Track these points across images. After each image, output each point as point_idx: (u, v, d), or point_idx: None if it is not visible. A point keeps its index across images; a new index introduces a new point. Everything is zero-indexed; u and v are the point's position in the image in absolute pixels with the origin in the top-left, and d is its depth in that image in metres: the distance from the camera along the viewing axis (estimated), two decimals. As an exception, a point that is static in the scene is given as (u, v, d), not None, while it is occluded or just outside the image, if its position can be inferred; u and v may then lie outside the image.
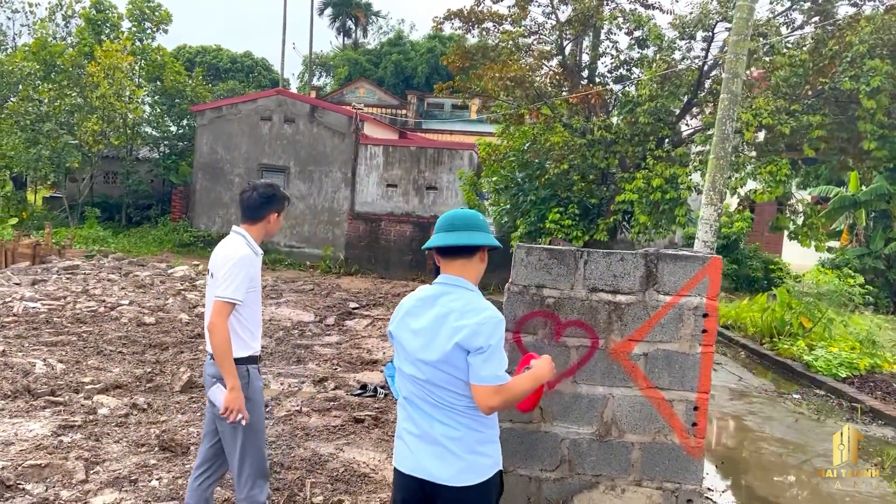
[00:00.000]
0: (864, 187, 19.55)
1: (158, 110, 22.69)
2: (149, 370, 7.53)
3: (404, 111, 31.73)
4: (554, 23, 12.69)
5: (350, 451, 5.64)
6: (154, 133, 23.04)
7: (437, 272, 2.74)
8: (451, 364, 2.49)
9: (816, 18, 10.86)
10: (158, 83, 22.56)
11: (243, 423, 3.43)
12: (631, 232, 10.89)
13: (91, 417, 5.90)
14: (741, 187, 9.74)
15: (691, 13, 10.23)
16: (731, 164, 6.47)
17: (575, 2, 12.12)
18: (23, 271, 13.65)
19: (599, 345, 3.37)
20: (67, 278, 13.27)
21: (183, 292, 12.80)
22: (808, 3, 10.82)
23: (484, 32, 11.93)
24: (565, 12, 12.76)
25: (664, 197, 9.81)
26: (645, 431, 3.39)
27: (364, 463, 5.39)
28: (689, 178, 9.91)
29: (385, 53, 39.86)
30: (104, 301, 11.12)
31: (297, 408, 6.67)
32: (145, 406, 6.33)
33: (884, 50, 8.72)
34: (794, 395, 9.73)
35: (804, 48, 10.05)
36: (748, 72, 11.16)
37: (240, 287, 3.43)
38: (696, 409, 3.37)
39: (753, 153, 9.36)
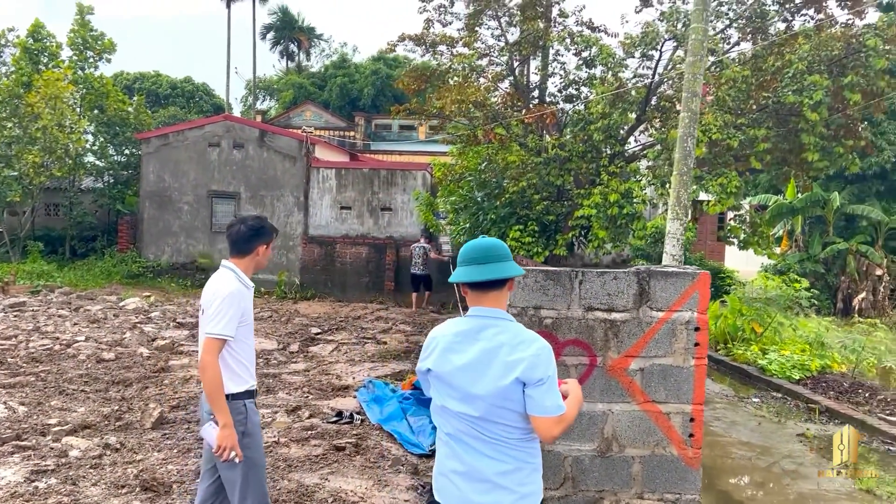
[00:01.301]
0: (799, 195, 20.43)
1: (102, 139, 22.14)
2: (116, 408, 7.32)
3: (352, 133, 31.71)
4: (503, 45, 12.95)
5: (335, 479, 5.61)
6: (98, 163, 22.46)
7: (461, 300, 2.76)
8: (507, 398, 2.48)
9: (752, 35, 11.36)
10: (101, 112, 22.02)
11: (237, 460, 3.39)
12: (588, 246, 11.12)
13: (63, 461, 5.72)
14: (691, 200, 10.09)
15: (640, 34, 10.60)
16: (684, 180, 6.73)
17: (523, 23, 12.40)
18: (-34, 311, 13.11)
19: (597, 362, 3.47)
20: (15, 316, 12.80)
21: (139, 325, 12.49)
22: (744, 21, 11.30)
23: (438, 55, 12.10)
24: (514, 34, 13.04)
25: (621, 212, 10.07)
26: (644, 445, 3.49)
27: (352, 491, 5.36)
28: (644, 192, 10.21)
29: (330, 76, 39.81)
30: (58, 338, 10.77)
31: (275, 439, 6.58)
32: (118, 445, 6.16)
33: (822, 66, 9.20)
34: (754, 399, 10.05)
35: (745, 64, 10.49)
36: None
37: (230, 322, 3.40)
38: (692, 420, 3.49)
39: (706, 168, 9.71)
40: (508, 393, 2.48)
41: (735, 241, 10.79)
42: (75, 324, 12.28)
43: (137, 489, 5.14)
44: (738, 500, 6.11)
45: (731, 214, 11.73)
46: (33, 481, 5.22)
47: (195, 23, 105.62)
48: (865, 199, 20.97)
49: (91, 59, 22.39)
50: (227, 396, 3.41)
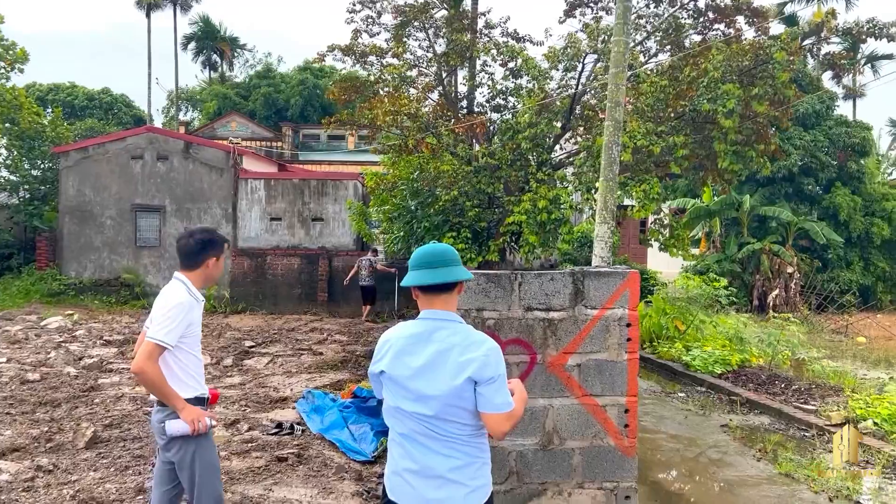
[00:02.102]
0: (715, 198, 21.43)
1: (15, 153, 21.23)
2: (45, 429, 7.09)
3: (280, 143, 31.38)
4: (431, 56, 13.16)
5: (280, 490, 5.62)
6: (11, 177, 21.51)
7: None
8: (460, 397, 2.61)
9: (669, 47, 11.93)
10: (13, 125, 21.12)
11: (213, 423, 3.54)
12: (520, 251, 11.41)
13: (-7, 485, 5.53)
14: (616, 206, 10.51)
15: (564, 47, 10.99)
16: (610, 186, 7.06)
17: (450, 35, 12.64)
18: None
19: (538, 359, 3.65)
20: (-74, 339, 12.16)
21: (63, 344, 12.07)
22: (661, 34, 11.85)
23: (368, 66, 12.19)
24: (442, 45, 13.26)
25: (549, 217, 10.39)
26: (583, 437, 3.69)
27: (297, 500, 5.39)
28: (571, 198, 10.57)
29: (255, 86, 39.28)
30: (-24, 361, 10.31)
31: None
32: (51, 467, 5.99)
33: (734, 76, 9.77)
34: (680, 394, 10.52)
35: (663, 75, 11.00)
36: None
37: (173, 332, 3.44)
38: (626, 411, 3.71)
39: (628, 174, 10.13)
40: (461, 392, 2.60)
41: (655, 243, 11.28)
42: (-6, 346, 11.76)
43: (76, 510, 5.04)
44: (669, 491, 6.42)
45: (651, 218, 12.22)
46: (-37, 508, 5.04)
47: (113, 35, 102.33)
48: (776, 201, 22.17)
49: (2, 70, 21.46)
50: None
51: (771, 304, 19.78)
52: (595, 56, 11.03)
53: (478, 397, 2.62)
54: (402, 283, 2.85)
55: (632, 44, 11.46)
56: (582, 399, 3.67)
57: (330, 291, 19.12)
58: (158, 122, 42.83)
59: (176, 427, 3.46)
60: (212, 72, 46.34)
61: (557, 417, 3.67)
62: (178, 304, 3.44)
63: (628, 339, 3.69)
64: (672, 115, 10.37)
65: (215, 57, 45.59)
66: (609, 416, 3.69)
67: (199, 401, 3.58)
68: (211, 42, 44.35)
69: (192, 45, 44.34)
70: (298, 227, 19.37)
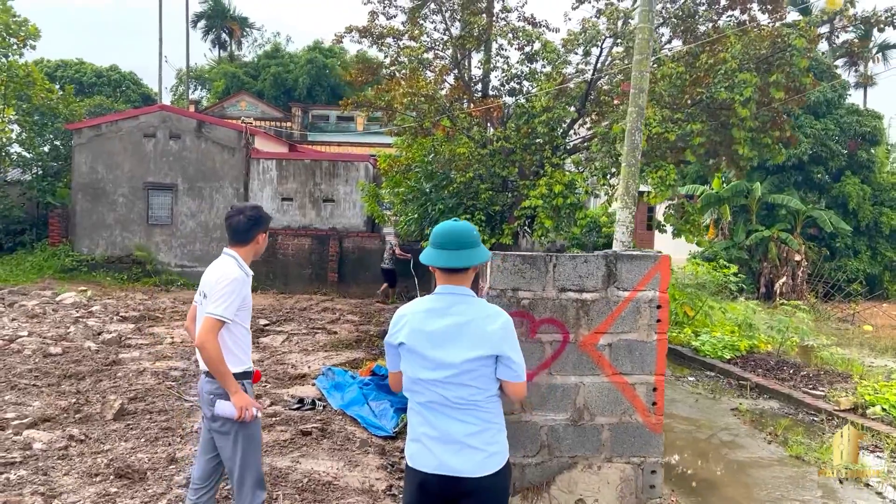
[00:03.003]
0: (725, 185, 21.48)
1: (28, 130, 21.32)
2: (73, 401, 7.27)
3: (289, 124, 31.41)
4: (447, 38, 13.19)
5: (306, 462, 5.78)
6: (25, 154, 21.62)
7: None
8: (478, 366, 2.80)
9: (682, 34, 11.95)
10: (26, 102, 21.19)
11: (259, 414, 3.62)
12: (533, 234, 11.52)
13: (28, 453, 5.70)
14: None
15: (583, 30, 11.02)
16: (632, 172, 7.15)
17: (467, 18, 12.67)
18: None
19: (570, 339, 3.78)
20: (-54, 313, 12.35)
21: (81, 320, 12.24)
22: (676, 20, 11.86)
23: (385, 47, 12.24)
24: (457, 28, 13.29)
25: (565, 202, 10.48)
26: (612, 413, 3.82)
27: (324, 472, 5.55)
28: (587, 183, 10.66)
29: (264, 66, 39.22)
30: (-2, 334, 10.48)
31: (240, 426, 6.68)
32: (83, 437, 6.16)
33: (751, 64, 9.82)
34: (690, 378, 10.67)
35: (679, 61, 11.04)
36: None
37: (231, 306, 3.58)
38: (654, 389, 3.85)
39: (643, 160, 10.20)
40: (479, 362, 2.80)
41: (668, 229, 11.38)
42: (13, 319, 11.94)
43: (112, 477, 5.20)
44: (683, 471, 6.57)
45: (664, 204, 12.31)
46: (2, 473, 5.20)
47: (116, 12, 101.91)
48: (784, 189, 22.22)
49: (14, 47, 21.50)
50: None
51: (778, 291, 19.90)
52: (612, 40, 11.06)
53: (498, 367, 2.84)
54: (422, 260, 3.00)
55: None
56: (612, 377, 3.81)
57: (340, 272, 19.27)
58: (167, 99, 42.83)
59: (224, 408, 3.60)
60: (221, 51, 46.27)
61: (588, 394, 3.80)
62: (233, 279, 3.58)
63: (658, 321, 3.82)
64: (688, 102, 10.42)
65: (224, 36, 45.51)
66: (638, 393, 3.83)
67: (246, 375, 3.71)
68: (220, 21, 44.26)
69: (202, 23, 44.27)
70: (309, 207, 19.49)
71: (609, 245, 18.50)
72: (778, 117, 10.73)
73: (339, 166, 19.65)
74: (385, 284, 17.15)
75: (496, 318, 2.85)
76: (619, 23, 10.49)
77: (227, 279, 3.58)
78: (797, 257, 20.36)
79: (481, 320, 2.83)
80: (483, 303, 2.93)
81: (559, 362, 3.78)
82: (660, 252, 3.86)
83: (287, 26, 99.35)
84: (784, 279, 20.12)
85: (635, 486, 3.81)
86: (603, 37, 10.63)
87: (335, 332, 12.27)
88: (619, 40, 10.83)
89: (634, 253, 3.84)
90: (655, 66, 10.21)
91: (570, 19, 18.64)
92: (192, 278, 19.19)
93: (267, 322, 13.05)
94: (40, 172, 21.58)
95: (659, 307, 3.82)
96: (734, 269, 14.95)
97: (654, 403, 3.86)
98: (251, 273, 3.78)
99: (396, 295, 17.48)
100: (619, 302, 3.79)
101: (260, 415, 3.65)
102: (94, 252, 19.55)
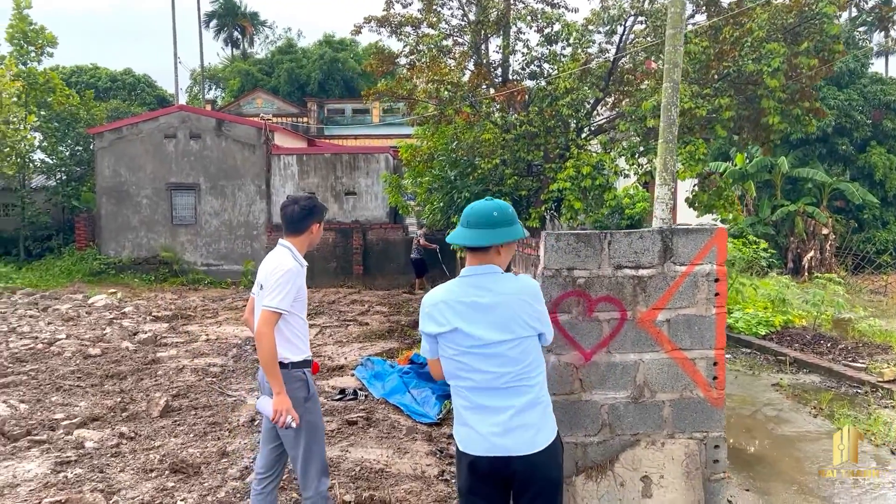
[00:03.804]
0: (748, 161, 21.23)
1: (51, 136, 21.52)
2: (118, 400, 7.36)
3: (305, 119, 31.46)
4: (465, 24, 13.10)
5: (355, 451, 5.80)
6: (48, 160, 21.85)
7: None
8: (525, 337, 2.86)
9: (705, 8, 11.77)
10: (47, 108, 21.38)
11: (293, 424, 3.55)
12: (561, 217, 11.47)
13: (82, 451, 5.78)
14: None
15: (605, 9, 10.91)
16: (670, 148, 7.06)
17: (487, 0, 12.57)
18: (-69, 317, 12.76)
19: (628, 316, 3.74)
20: (-17, 319, 12.53)
21: (115, 321, 12.38)
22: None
23: (405, 36, 12.18)
24: (474, 13, 13.19)
25: (594, 183, 10.41)
26: (673, 389, 3.79)
27: (374, 460, 5.58)
28: (615, 163, 10.57)
29: (277, 62, 39.28)
30: (37, 337, 10.63)
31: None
32: (132, 434, 6.24)
33: (778, 34, 9.67)
34: (726, 356, 10.58)
35: (702, 36, 10.89)
36: (654, 61, 11.97)
37: (287, 297, 3.57)
38: (715, 364, 3.80)
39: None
40: (517, 340, 2.84)
41: (700, 206, 11.25)
42: (49, 323, 12.10)
43: (167, 472, 5.26)
44: (732, 446, 6.52)
45: (689, 182, 12.17)
46: (60, 472, 5.28)
47: (128, 16, 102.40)
48: (809, 163, 21.91)
49: (32, 54, 21.68)
50: (288, 365, 3.59)
51: (806, 266, 19.67)
52: (634, 17, 10.93)
53: (540, 336, 2.96)
54: (447, 240, 3.05)
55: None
56: (671, 353, 3.77)
57: (365, 264, 19.33)
58: (182, 101, 43.02)
59: (263, 406, 3.61)
60: (233, 49, 46.40)
61: (647, 371, 3.77)
62: (287, 270, 3.58)
63: (716, 294, 3.77)
64: (715, 77, 10.28)
65: (236, 34, 45.61)
66: (698, 368, 3.79)
67: (306, 363, 3.72)
68: (232, 19, 44.36)
69: (214, 22, 44.38)
70: (332, 201, 19.54)
71: (633, 226, 18.38)
72: (806, 88, 10.57)
73: (359, 159, 19.66)
74: (418, 277, 17.26)
75: (529, 289, 2.91)
76: (646, 0, 10.37)
77: (281, 270, 3.59)
78: (825, 231, 20.09)
79: (517, 293, 2.86)
80: (511, 276, 2.93)
81: (617, 340, 3.75)
82: (716, 225, 3.81)
83: (297, 20, 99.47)
84: (812, 253, 19.88)
85: (700, 461, 3.78)
86: (628, 14, 10.51)
87: (367, 324, 12.31)
88: (642, 17, 10.69)
89: (690, 227, 3.79)
90: (684, 40, 10.07)
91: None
92: (218, 276, 19.35)
93: (298, 316, 13.10)
94: (64, 178, 21.81)
95: (717, 280, 3.77)
96: (764, 244, 14.78)
97: (714, 378, 3.82)
98: (305, 264, 3.78)
99: (428, 284, 17.52)
100: (676, 277, 3.74)
101: (294, 424, 3.51)
102: (121, 254, 19.76)
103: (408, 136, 23.30)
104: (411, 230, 19.57)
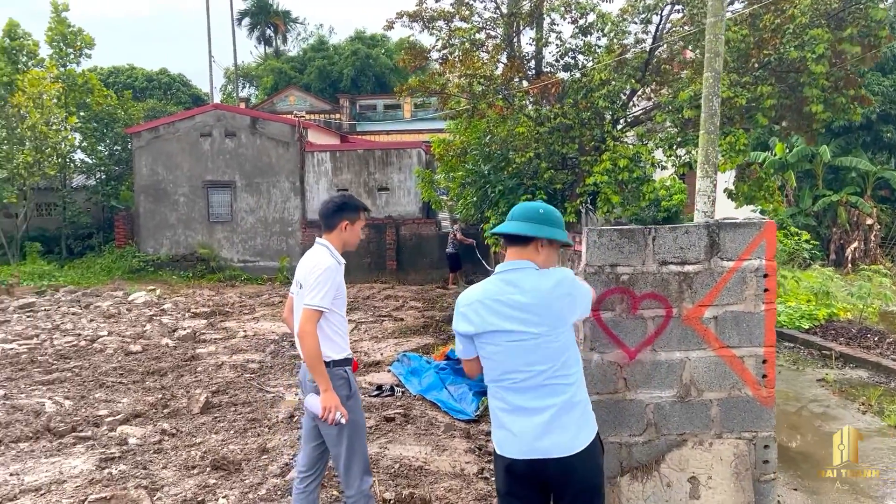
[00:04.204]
0: (787, 151, 20.73)
1: (91, 136, 21.94)
2: (159, 396, 7.44)
3: (338, 115, 31.59)
4: (497, 17, 12.99)
5: (394, 448, 5.79)
6: (87, 160, 22.28)
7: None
8: (561, 331, 2.82)
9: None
10: (87, 109, 21.80)
11: (343, 421, 3.54)
12: (598, 211, 11.33)
13: (125, 448, 5.85)
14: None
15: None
16: (712, 139, 6.89)
17: (517, -6, 12.45)
18: (-22, 314, 13.09)
19: (673, 313, 3.64)
20: (28, 316, 12.82)
21: (155, 318, 12.56)
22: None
23: (437, 31, 12.12)
24: (506, 4, 13.07)
25: (631, 176, 10.25)
26: (721, 388, 3.69)
27: (413, 457, 5.55)
28: (652, 155, 10.39)
29: (309, 59, 39.51)
30: (80, 335, 10.84)
31: (324, 415, 6.73)
32: (174, 431, 6.30)
33: (821, 20, 9.40)
34: (769, 350, 10.35)
35: (741, 24, 10.65)
36: (689, 49, 11.74)
37: (327, 295, 3.56)
38: (764, 362, 3.69)
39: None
40: (560, 327, 2.82)
41: (740, 197, 11.00)
42: (91, 320, 12.33)
43: (208, 469, 5.30)
44: (780, 444, 6.36)
45: (729, 172, 11.91)
46: (105, 468, 5.35)
47: (167, 16, 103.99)
48: (851, 151, 21.32)
49: (71, 56, 22.10)
50: (329, 363, 3.57)
51: (849, 257, 19.16)
52: (670, 5, 10.72)
53: (571, 328, 2.93)
54: (490, 232, 3.01)
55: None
56: (719, 351, 3.67)
57: (398, 259, 19.36)
58: (216, 99, 43.55)
59: (311, 404, 3.60)
60: (266, 47, 46.77)
61: (694, 370, 3.67)
62: (326, 268, 3.56)
63: (765, 290, 3.66)
64: (755, 65, 10.04)
65: (269, 32, 45.96)
66: (747, 366, 3.68)
67: (347, 362, 3.70)
68: (264, 17, 44.69)
69: (247, 21, 44.78)
70: (365, 196, 19.58)
71: (670, 219, 18.07)
72: (850, 75, 10.27)
73: (391, 154, 19.68)
74: (452, 272, 17.27)
75: (563, 280, 2.86)
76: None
77: (320, 268, 3.57)
78: (869, 221, 19.55)
79: (553, 286, 2.82)
80: (547, 273, 2.89)
81: (663, 338, 3.66)
82: (764, 218, 3.69)
83: (328, 17, 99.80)
84: (856, 244, 19.36)
85: (749, 461, 3.67)
86: (664, 3, 10.30)
87: (402, 319, 12.32)
88: (679, 6, 10.48)
89: (737, 221, 3.68)
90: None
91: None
92: (254, 273, 19.54)
93: (333, 312, 13.16)
94: (103, 177, 22.22)
95: (766, 276, 3.65)
96: (806, 235, 14.43)
97: (764, 376, 3.71)
98: (343, 261, 3.76)
99: (462, 279, 17.50)
100: (723, 273, 3.64)
101: (344, 420, 3.51)
102: (159, 252, 20.07)
103: (439, 130, 23.24)
104: (444, 225, 19.56)
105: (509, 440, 2.87)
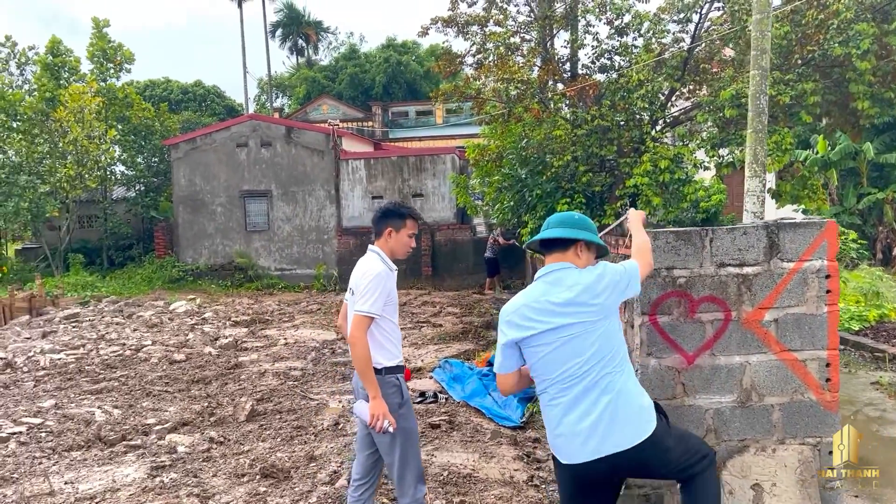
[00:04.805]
0: (830, 148, 20.28)
1: (130, 149, 22.38)
2: (205, 405, 7.51)
3: (370, 123, 31.77)
4: (531, 20, 12.93)
5: (441, 455, 5.75)
6: (127, 172, 22.72)
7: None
8: (612, 320, 2.87)
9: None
10: (125, 122, 22.24)
11: (391, 429, 3.52)
12: (638, 214, 11.17)
13: (175, 456, 5.90)
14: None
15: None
16: (759, 138, 6.74)
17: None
18: (27, 325, 13.39)
19: (732, 316, 3.56)
20: (74, 327, 13.07)
21: (197, 326, 12.72)
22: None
23: (472, 36, 12.10)
24: (540, 8, 13.00)
25: (672, 177, 10.11)
26: (783, 392, 3.59)
27: (461, 464, 5.50)
28: (694, 156, 10.23)
29: (341, 68, 39.82)
30: (125, 344, 11.01)
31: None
32: (221, 439, 6.34)
33: (867, 14, 9.18)
34: (817, 353, 10.10)
35: (783, 20, 10.45)
36: (729, 48, 11.55)
37: (377, 301, 3.55)
38: (828, 365, 3.58)
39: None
40: (610, 314, 2.85)
41: (784, 196, 10.76)
42: (135, 330, 12.52)
43: (258, 477, 5.31)
44: (833, 449, 6.19)
45: (773, 173, 11.67)
46: (156, 476, 5.40)
47: (199, 29, 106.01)
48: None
49: (111, 70, 22.57)
50: (381, 370, 3.56)
51: (897, 256, 18.65)
52: (709, 3, 10.56)
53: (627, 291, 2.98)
54: (526, 246, 3.03)
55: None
56: (780, 354, 3.57)
57: (434, 265, 19.35)
58: (251, 110, 44.15)
59: (360, 410, 3.59)
60: (299, 57, 47.27)
61: (755, 374, 3.58)
62: (376, 274, 3.56)
63: (828, 291, 3.55)
64: (798, 61, 9.84)
65: (301, 42, 46.47)
66: (809, 370, 3.58)
67: (399, 369, 3.68)
68: (296, 27, 45.19)
69: (279, 31, 45.33)
70: (400, 203, 19.60)
71: (709, 221, 17.76)
72: (898, 70, 10.03)
73: (425, 160, 19.70)
74: (490, 277, 17.26)
75: (604, 276, 2.89)
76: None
77: (370, 275, 3.57)
78: (916, 219, 18.99)
79: (594, 285, 2.85)
80: (586, 269, 2.94)
81: (722, 342, 3.57)
82: (825, 219, 3.58)
83: (359, 25, 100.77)
84: (903, 243, 18.82)
85: (814, 468, 3.56)
86: (704, 1, 10.16)
87: (440, 325, 12.29)
88: (719, 3, 10.32)
89: (797, 221, 3.58)
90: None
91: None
92: (291, 280, 19.69)
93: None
94: (143, 189, 22.61)
95: (828, 277, 3.55)
96: (853, 235, 14.06)
97: (827, 380, 3.60)
98: (395, 268, 3.75)
99: (499, 284, 17.44)
100: (783, 274, 3.54)
101: (392, 429, 3.50)
102: (198, 261, 20.34)
103: (472, 135, 23.19)
104: (479, 230, 19.52)
105: (569, 446, 2.85)
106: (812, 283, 3.55)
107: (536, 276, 3.01)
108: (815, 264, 3.54)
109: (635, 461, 2.81)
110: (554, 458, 2.99)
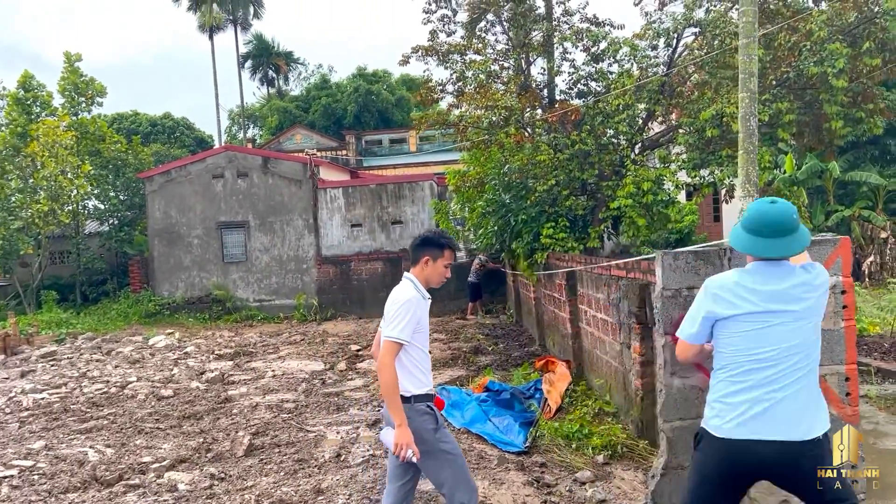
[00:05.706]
0: (797, 168, 20.80)
1: (104, 183, 22.09)
2: (200, 441, 7.36)
3: (344, 151, 31.81)
4: (510, 48, 13.14)
5: (450, 483, 5.69)
6: (100, 206, 22.40)
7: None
8: (819, 322, 2.98)
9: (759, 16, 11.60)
10: (97, 155, 21.98)
11: (414, 459, 3.50)
12: (624, 236, 11.32)
13: (177, 494, 5.77)
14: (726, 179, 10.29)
15: (652, 23, 10.86)
16: (751, 158, 6.89)
17: (530, 24, 12.60)
18: (2, 365, 13.03)
19: (753, 334, 3.60)
20: (52, 365, 12.76)
21: (180, 361, 12.50)
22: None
23: (452, 64, 12.24)
24: (517, 37, 13.22)
25: (655, 199, 10.26)
26: (804, 407, 3.63)
27: (472, 492, 5.45)
28: (675, 177, 10.41)
29: (313, 98, 39.91)
30: (108, 381, 10.77)
31: (370, 452, 6.66)
32: (222, 475, 6.22)
33: (839, 35, 9.50)
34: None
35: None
36: (704, 70, 11.82)
37: (406, 328, 3.55)
38: (847, 379, 3.65)
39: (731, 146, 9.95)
40: (818, 315, 2.98)
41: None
42: (116, 366, 12.27)
43: (267, 513, 5.21)
44: (834, 462, 6.26)
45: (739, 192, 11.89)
46: (161, 517, 5.27)
47: (166, 63, 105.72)
48: (860, 166, 21.40)
49: (83, 104, 22.34)
50: (410, 399, 3.55)
51: (866, 271, 19.11)
52: (687, 28, 10.83)
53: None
54: (734, 245, 3.04)
55: (716, 15, 11.21)
56: (800, 370, 3.62)
57: (415, 292, 19.29)
58: (222, 141, 43.93)
59: (385, 438, 3.58)
60: (269, 87, 47.27)
61: (776, 390, 3.62)
62: (406, 301, 3.56)
63: (844, 307, 3.63)
64: (773, 82, 10.12)
65: (271, 73, 46.52)
66: (829, 384, 3.64)
67: (428, 397, 3.67)
68: (266, 58, 45.28)
69: (249, 63, 45.35)
70: (379, 231, 19.62)
71: (683, 242, 18.02)
72: (868, 90, 10.35)
73: (404, 188, 19.75)
74: (472, 302, 17.28)
75: (821, 277, 2.97)
76: (702, 10, 10.29)
77: (400, 301, 3.58)
78: (883, 234, 19.53)
79: (811, 279, 2.92)
80: (805, 264, 2.99)
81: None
82: (838, 236, 3.67)
83: (328, 56, 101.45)
84: (871, 258, 19.32)
85: (839, 482, 3.61)
86: (682, 27, 10.42)
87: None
88: (696, 29, 10.59)
89: (812, 238, 3.66)
90: (733, 52, 9.95)
91: (647, 14, 17.40)
92: (271, 311, 19.48)
93: (359, 347, 13.11)
94: (116, 223, 22.28)
95: (843, 292, 3.63)
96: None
97: (847, 394, 3.66)
98: (428, 297, 3.76)
99: (482, 309, 17.47)
100: (800, 290, 3.60)
101: (416, 458, 3.50)
102: (175, 294, 20.04)
103: (447, 162, 23.34)
104: (458, 255, 19.58)
105: (734, 421, 2.88)
106: (829, 299, 3.61)
107: (749, 266, 3.03)
108: (831, 280, 3.61)
109: (789, 456, 2.84)
110: (706, 431, 2.99)
